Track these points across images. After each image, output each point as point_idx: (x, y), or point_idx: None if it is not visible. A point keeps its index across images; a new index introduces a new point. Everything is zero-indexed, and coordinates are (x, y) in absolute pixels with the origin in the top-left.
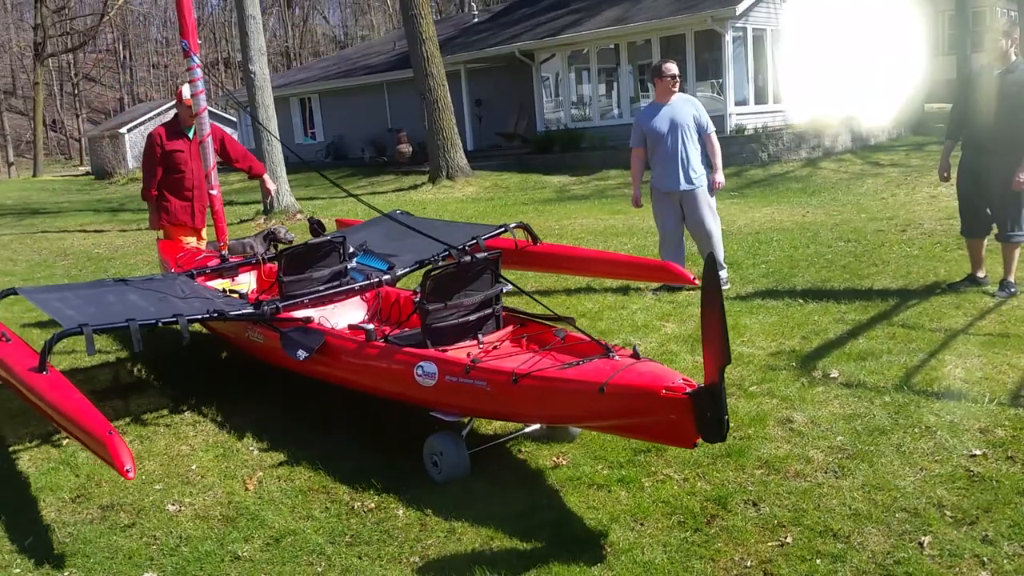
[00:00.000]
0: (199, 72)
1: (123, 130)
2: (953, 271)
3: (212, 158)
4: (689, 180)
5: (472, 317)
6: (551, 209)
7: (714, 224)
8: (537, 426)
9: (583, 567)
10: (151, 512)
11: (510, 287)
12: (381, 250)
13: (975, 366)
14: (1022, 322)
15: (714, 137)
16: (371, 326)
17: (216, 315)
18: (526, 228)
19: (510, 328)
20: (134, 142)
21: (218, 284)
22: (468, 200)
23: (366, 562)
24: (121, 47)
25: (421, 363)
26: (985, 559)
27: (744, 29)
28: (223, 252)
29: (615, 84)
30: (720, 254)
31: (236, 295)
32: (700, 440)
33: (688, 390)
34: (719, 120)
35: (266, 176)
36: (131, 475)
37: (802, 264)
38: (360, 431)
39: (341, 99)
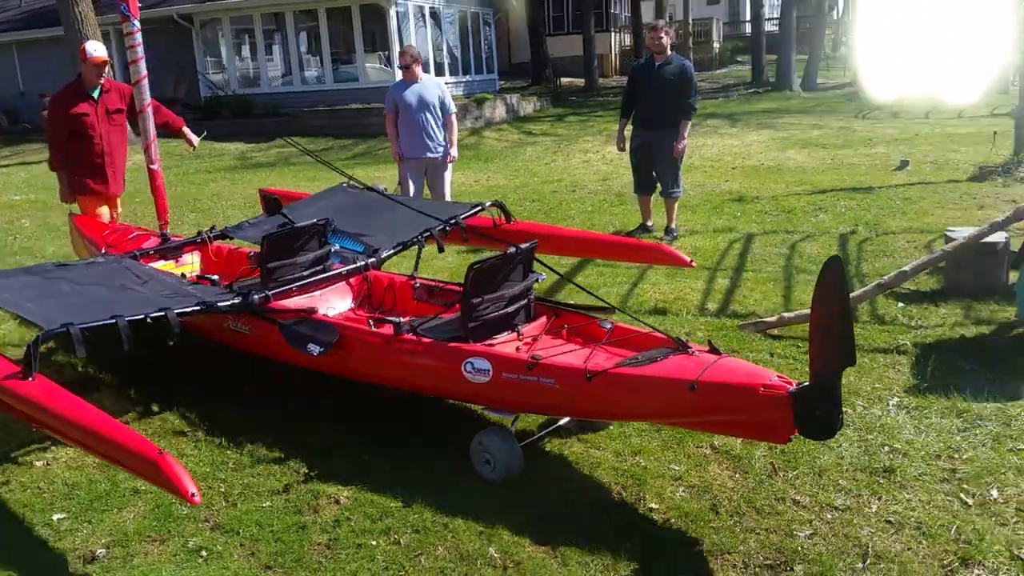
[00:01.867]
0: (139, 37)
1: None
2: (626, 222)
3: (152, 129)
4: (431, 149)
5: (511, 309)
6: (243, 177)
7: (447, 189)
8: (567, 419)
9: None
10: None
11: (543, 276)
12: (344, 228)
13: (668, 291)
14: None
15: (454, 118)
16: (399, 319)
17: (205, 307)
18: (500, 206)
19: (544, 319)
20: None
21: (160, 266)
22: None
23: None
24: None
25: (471, 359)
26: None
27: (407, 5)
28: (164, 231)
29: (285, 52)
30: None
31: (207, 280)
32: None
33: (791, 388)
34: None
35: (186, 128)
36: (197, 499)
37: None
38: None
39: None
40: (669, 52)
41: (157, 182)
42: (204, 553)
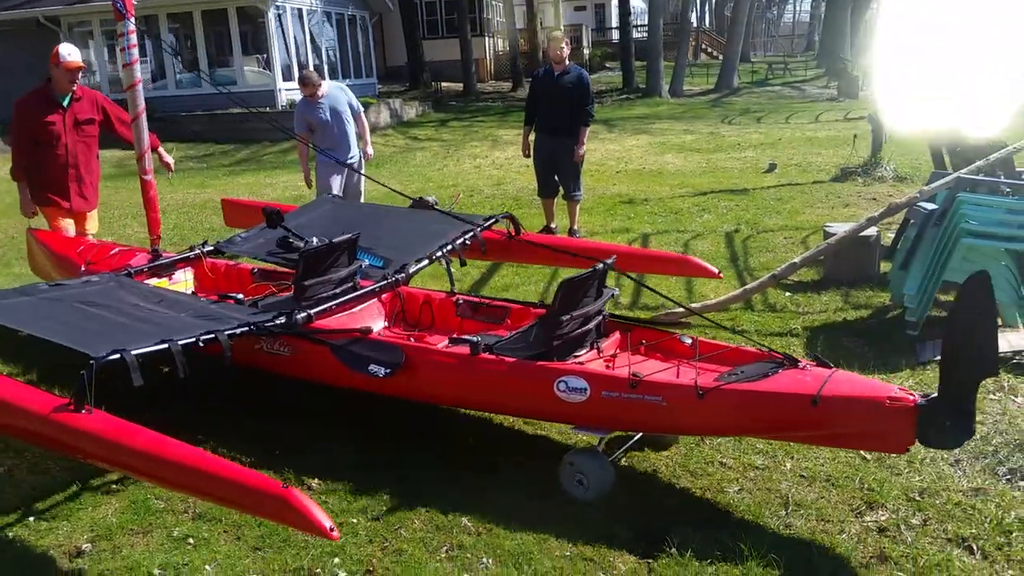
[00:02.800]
0: (135, 38)
1: None
2: (529, 224)
3: (146, 139)
4: (351, 154)
5: (590, 325)
6: (126, 185)
7: (363, 188)
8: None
9: None
10: None
11: (618, 291)
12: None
13: None
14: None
15: (363, 116)
16: (476, 338)
17: (254, 328)
18: (511, 218)
19: (617, 335)
20: None
21: (154, 283)
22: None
23: None
24: None
25: (565, 378)
26: None
27: (284, 7)
28: (156, 246)
29: (158, 55)
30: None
31: (231, 299)
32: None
33: (918, 400)
34: (268, 95)
35: (162, 149)
36: (336, 534)
37: None
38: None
39: None
40: (567, 62)
41: (150, 194)
42: (191, 540)
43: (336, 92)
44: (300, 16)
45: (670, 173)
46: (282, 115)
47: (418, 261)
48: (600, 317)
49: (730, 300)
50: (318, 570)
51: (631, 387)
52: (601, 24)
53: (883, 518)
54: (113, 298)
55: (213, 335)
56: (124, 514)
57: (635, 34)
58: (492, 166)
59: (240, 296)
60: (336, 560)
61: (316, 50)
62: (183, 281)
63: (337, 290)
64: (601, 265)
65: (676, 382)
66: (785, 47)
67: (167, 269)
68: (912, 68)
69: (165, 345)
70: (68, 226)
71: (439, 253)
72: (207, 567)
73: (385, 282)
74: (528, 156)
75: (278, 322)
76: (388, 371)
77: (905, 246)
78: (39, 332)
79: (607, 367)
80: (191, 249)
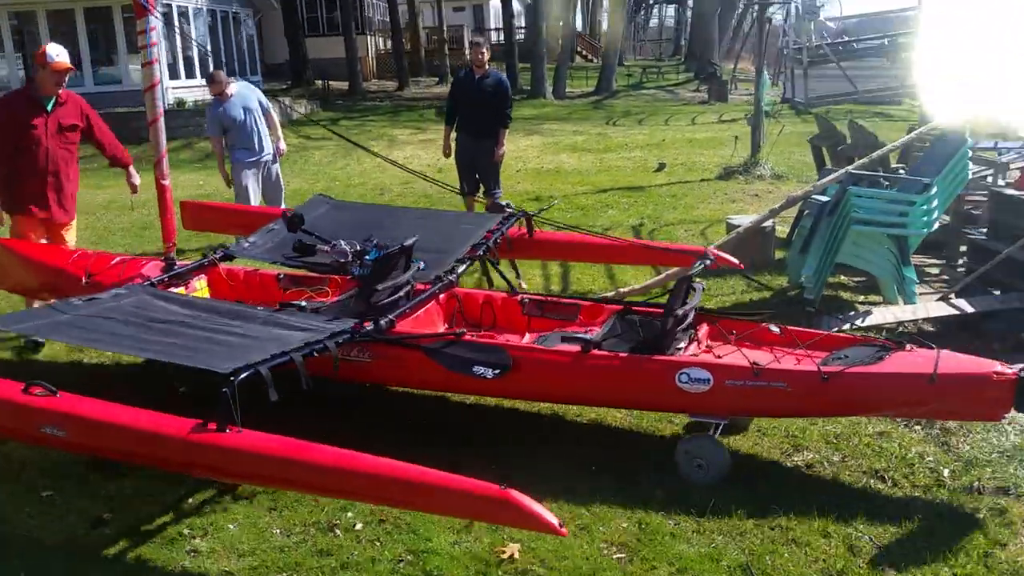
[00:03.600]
0: (156, 35)
1: None
2: None
3: (163, 142)
4: (266, 151)
5: (689, 319)
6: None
7: (282, 183)
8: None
9: None
10: None
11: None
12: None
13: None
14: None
15: (273, 112)
16: (588, 335)
17: (355, 336)
18: (527, 218)
19: (706, 326)
20: None
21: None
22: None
23: None
24: None
25: (687, 370)
26: None
27: (170, 5)
28: (170, 254)
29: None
30: (283, 204)
31: (294, 306)
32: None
33: (1020, 372)
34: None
35: (132, 169)
36: (565, 530)
37: None
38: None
39: None
40: (487, 66)
41: (166, 199)
42: (208, 506)
43: (244, 90)
44: (185, 14)
45: (568, 172)
46: (168, 114)
47: (460, 262)
48: (694, 311)
49: (652, 285)
50: (336, 521)
51: (755, 375)
52: (480, 25)
53: (808, 457)
54: (169, 312)
55: (323, 344)
56: (139, 485)
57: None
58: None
59: (303, 303)
60: (349, 514)
61: (199, 47)
62: (199, 290)
63: (400, 293)
64: (700, 263)
65: (799, 368)
66: (654, 51)
67: (184, 278)
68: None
69: (287, 357)
70: (37, 239)
71: (480, 252)
72: (230, 526)
73: (442, 283)
74: (449, 156)
75: (368, 328)
76: (498, 372)
77: (802, 234)
78: (124, 350)
79: (717, 356)
80: (204, 256)
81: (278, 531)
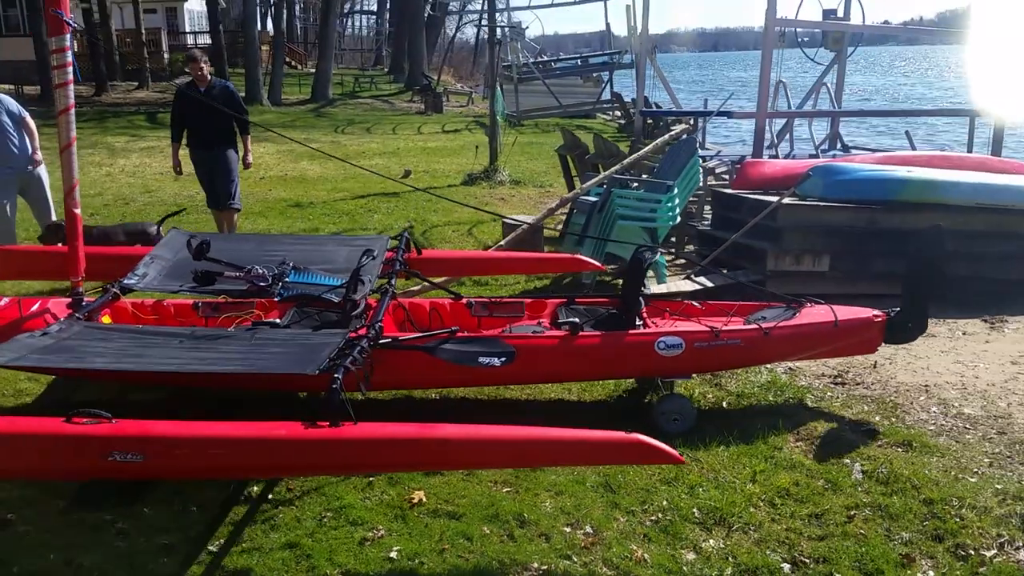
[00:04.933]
0: (70, 55)
1: None
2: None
3: (76, 171)
4: (20, 160)
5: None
6: None
7: (50, 197)
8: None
9: None
10: None
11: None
12: (255, 260)
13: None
14: None
15: (29, 120)
16: (576, 320)
17: (370, 344)
18: (408, 236)
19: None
20: None
21: None
22: None
23: None
24: None
25: (663, 338)
26: None
27: None
28: (78, 288)
29: None
30: (53, 216)
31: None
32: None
33: (890, 315)
34: None
35: None
36: (683, 459)
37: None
38: None
39: None
40: (210, 78)
41: (77, 229)
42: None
43: (5, 100)
44: None
45: (315, 179)
46: None
47: (383, 277)
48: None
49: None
50: (245, 494)
51: (715, 336)
52: (175, 29)
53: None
54: (157, 337)
55: (364, 349)
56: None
57: (208, 40)
58: (124, 174)
59: (276, 320)
60: (255, 488)
61: None
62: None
63: (361, 307)
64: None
65: (747, 328)
66: (355, 61)
67: (95, 314)
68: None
69: (349, 358)
70: None
71: (397, 267)
72: (145, 510)
73: (388, 294)
74: (180, 174)
75: (371, 335)
76: (504, 360)
77: (576, 228)
78: (152, 367)
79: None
80: (105, 291)
81: (194, 508)
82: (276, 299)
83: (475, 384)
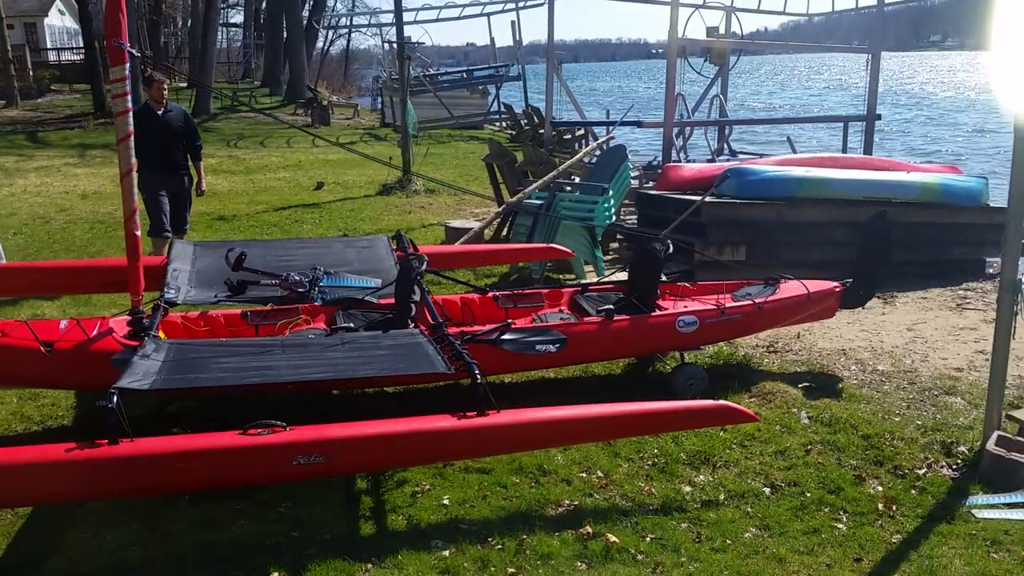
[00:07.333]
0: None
1: None
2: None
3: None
4: None
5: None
6: None
7: None
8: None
9: None
10: None
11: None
12: (276, 266)
13: None
14: None
15: None
16: (611, 306)
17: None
18: (400, 237)
19: None
20: None
21: None
22: None
23: None
24: None
25: (682, 317)
26: None
27: None
28: (139, 307)
29: None
30: None
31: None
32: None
33: (845, 285)
34: None
35: None
36: (758, 417)
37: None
38: None
39: None
40: (165, 100)
41: (137, 248)
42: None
43: None
44: None
45: (227, 193)
46: None
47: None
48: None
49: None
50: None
51: (721, 313)
52: (35, 45)
53: (574, 372)
54: (256, 347)
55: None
56: None
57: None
58: (28, 194)
59: (350, 325)
60: None
61: None
62: None
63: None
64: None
65: (744, 304)
66: (224, 74)
67: (152, 331)
68: None
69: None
70: None
71: (423, 266)
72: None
73: (426, 292)
74: (201, 194)
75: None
76: (558, 346)
77: (524, 229)
78: (300, 377)
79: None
80: (155, 308)
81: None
82: (317, 303)
83: (531, 368)
